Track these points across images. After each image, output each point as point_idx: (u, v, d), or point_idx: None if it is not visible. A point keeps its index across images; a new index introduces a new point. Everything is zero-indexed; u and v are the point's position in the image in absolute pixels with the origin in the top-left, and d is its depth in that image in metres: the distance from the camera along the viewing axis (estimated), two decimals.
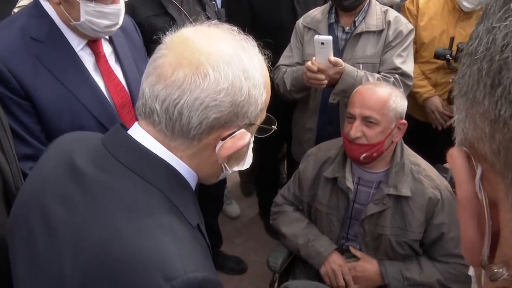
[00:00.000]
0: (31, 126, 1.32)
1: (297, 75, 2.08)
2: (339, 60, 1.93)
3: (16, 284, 0.82)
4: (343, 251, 1.81)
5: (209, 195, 2.40)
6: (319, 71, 1.92)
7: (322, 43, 1.87)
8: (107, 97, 1.42)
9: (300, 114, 2.34)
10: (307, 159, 1.87)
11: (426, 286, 1.65)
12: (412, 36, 2.11)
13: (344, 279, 1.71)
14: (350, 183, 1.69)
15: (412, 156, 1.69)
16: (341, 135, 2.05)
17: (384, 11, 2.10)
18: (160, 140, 0.76)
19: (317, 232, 1.80)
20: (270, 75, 0.85)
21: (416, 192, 1.60)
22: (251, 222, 3.29)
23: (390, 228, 1.64)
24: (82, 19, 1.29)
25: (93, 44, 1.40)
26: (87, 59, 1.40)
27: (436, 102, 2.51)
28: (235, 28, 0.80)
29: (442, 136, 2.61)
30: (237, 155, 0.83)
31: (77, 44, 1.37)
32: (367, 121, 1.58)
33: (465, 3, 2.34)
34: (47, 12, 1.34)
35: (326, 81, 1.94)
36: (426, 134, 2.62)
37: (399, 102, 1.60)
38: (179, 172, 0.78)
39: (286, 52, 2.26)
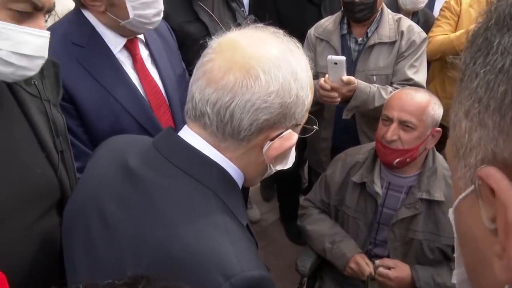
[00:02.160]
0: (74, 128, 1.36)
1: None
2: (352, 78, 1.95)
3: (73, 279, 0.84)
4: (370, 256, 1.81)
5: None
6: (332, 89, 1.95)
7: (336, 63, 1.90)
8: (144, 98, 1.46)
9: None
10: (335, 163, 1.88)
11: None
12: (425, 45, 2.12)
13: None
14: (378, 188, 1.71)
15: (442, 161, 1.69)
16: (357, 143, 2.08)
17: (396, 20, 2.11)
18: (210, 142, 0.78)
19: (344, 234, 1.82)
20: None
21: (450, 197, 1.61)
22: (271, 227, 3.31)
23: (422, 233, 1.64)
24: (131, 16, 1.35)
25: (130, 46, 1.45)
26: (124, 61, 1.45)
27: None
28: (280, 31, 0.82)
29: None
30: (282, 155, 0.84)
31: (115, 47, 1.42)
32: (405, 125, 1.59)
33: None
34: (87, 19, 1.40)
35: (339, 99, 1.97)
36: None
37: (437, 109, 1.61)
38: (229, 174, 0.79)
39: None
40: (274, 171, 0.87)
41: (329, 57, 1.93)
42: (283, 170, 2.92)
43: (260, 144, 0.78)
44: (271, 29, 0.82)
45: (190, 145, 0.78)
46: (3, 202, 0.97)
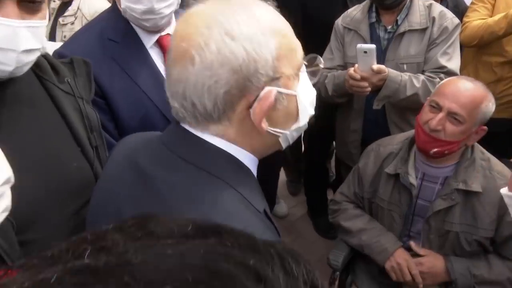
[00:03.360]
0: (105, 123, 1.37)
1: (339, 81, 2.07)
2: (382, 67, 1.90)
3: None
4: (406, 249, 1.77)
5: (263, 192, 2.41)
6: (362, 79, 1.90)
7: (365, 52, 1.85)
8: None
9: (344, 115, 2.32)
10: (368, 154, 1.84)
11: (495, 285, 1.60)
12: (458, 31, 2.05)
13: (410, 273, 1.67)
14: (413, 179, 1.66)
15: (481, 152, 1.64)
16: (388, 135, 2.03)
17: (427, 6, 2.05)
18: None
19: (381, 228, 1.78)
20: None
21: (488, 188, 1.55)
22: (299, 221, 3.28)
23: (459, 224, 1.59)
24: (122, 6, 1.36)
25: (162, 42, 1.45)
26: (156, 57, 1.45)
27: None
28: None
29: (500, 134, 2.53)
30: (284, 114, 0.76)
31: (147, 43, 1.42)
32: (453, 117, 1.51)
33: None
34: (121, 14, 1.41)
35: (369, 89, 1.92)
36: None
37: (490, 107, 1.54)
38: (238, 160, 0.76)
39: (326, 54, 2.23)
40: (288, 132, 0.78)
41: (359, 45, 1.88)
42: (310, 164, 2.87)
43: (245, 116, 0.72)
44: None
45: (195, 135, 0.75)
46: (42, 198, 0.98)
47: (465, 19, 2.49)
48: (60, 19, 2.96)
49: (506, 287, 1.59)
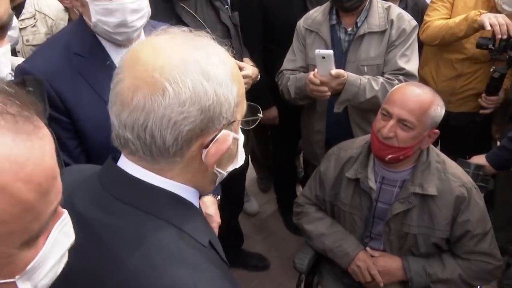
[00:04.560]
0: (66, 141, 1.35)
1: (300, 84, 2.09)
2: (341, 71, 1.92)
3: None
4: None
5: (229, 196, 2.42)
6: (322, 83, 1.92)
7: (324, 57, 1.87)
8: None
9: (308, 116, 2.35)
10: (329, 158, 1.87)
11: (448, 282, 1.67)
12: (415, 33, 2.09)
13: (370, 274, 1.73)
14: (372, 183, 1.70)
15: (436, 155, 1.68)
16: (351, 135, 2.07)
17: (386, 8, 2.07)
18: (145, 167, 0.74)
19: (343, 231, 1.82)
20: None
21: (443, 190, 1.60)
22: (270, 219, 3.32)
23: (417, 227, 1.64)
24: (93, 19, 1.32)
25: None
26: None
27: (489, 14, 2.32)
28: (185, 28, 0.77)
29: (460, 127, 2.61)
30: (228, 156, 0.79)
31: (116, 56, 1.38)
32: (403, 123, 1.55)
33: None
34: (89, 28, 1.37)
35: (329, 93, 1.95)
36: (445, 124, 2.61)
37: (438, 111, 1.58)
38: (178, 195, 0.76)
39: (289, 56, 2.25)
40: (225, 173, 0.82)
41: (317, 51, 1.90)
42: (278, 161, 2.90)
43: (196, 155, 0.74)
44: (176, 29, 0.77)
45: (132, 176, 0.74)
46: None
47: (426, 18, 2.54)
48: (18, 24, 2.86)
49: (457, 284, 1.66)
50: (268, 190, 3.55)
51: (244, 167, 2.70)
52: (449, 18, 2.45)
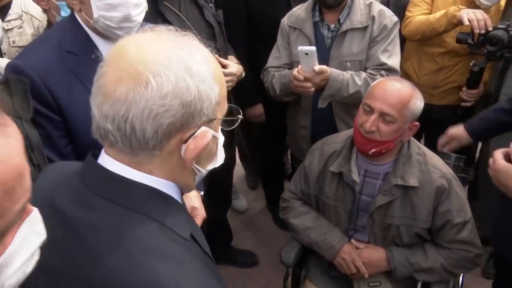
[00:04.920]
0: (56, 139, 1.36)
1: (285, 81, 2.12)
2: (324, 67, 1.95)
3: None
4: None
5: (217, 193, 2.45)
6: (305, 79, 1.95)
7: (307, 53, 1.90)
8: None
9: (294, 112, 2.38)
10: (313, 153, 1.90)
11: (431, 271, 1.71)
12: (397, 29, 2.12)
13: (355, 265, 1.77)
14: (356, 176, 1.73)
15: (417, 148, 1.72)
16: (336, 130, 2.10)
17: (368, 5, 2.11)
18: (124, 160, 0.75)
19: (328, 225, 1.85)
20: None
21: (424, 182, 1.64)
22: (259, 215, 3.35)
23: (399, 218, 1.68)
24: (95, 15, 1.32)
25: None
26: None
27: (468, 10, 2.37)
28: (171, 27, 0.78)
29: (442, 120, 2.65)
30: (206, 154, 0.81)
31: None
32: (385, 117, 1.58)
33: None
34: (82, 25, 1.38)
35: (313, 89, 1.98)
36: (427, 117, 2.65)
37: (418, 104, 1.61)
38: (158, 189, 0.77)
39: (273, 53, 2.27)
40: (205, 172, 0.83)
41: (300, 48, 1.92)
42: (265, 158, 2.93)
43: (175, 149, 0.75)
44: (163, 27, 0.78)
45: (110, 171, 0.75)
46: None
47: (407, 13, 2.58)
48: (4, 25, 2.84)
49: (439, 273, 1.70)
50: (257, 187, 3.58)
51: (231, 163, 2.73)
52: (430, 14, 2.50)
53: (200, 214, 1.50)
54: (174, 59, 0.71)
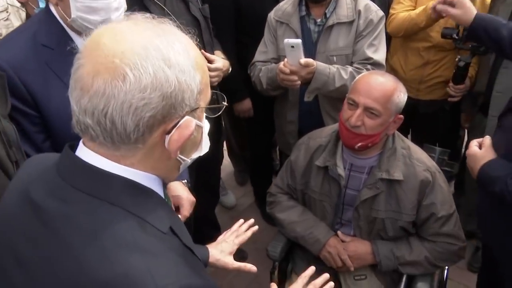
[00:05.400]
0: (33, 135, 1.34)
1: (271, 74, 2.12)
2: (310, 60, 1.96)
3: None
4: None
5: (205, 189, 2.44)
6: (292, 72, 1.95)
7: (292, 46, 1.90)
8: None
9: (281, 107, 2.38)
10: (299, 147, 1.91)
11: (415, 264, 1.73)
12: (382, 23, 2.13)
13: (341, 259, 1.78)
14: (341, 170, 1.74)
15: (402, 141, 1.73)
16: (323, 125, 2.11)
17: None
18: (105, 154, 0.74)
19: (314, 219, 1.86)
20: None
21: (409, 175, 1.65)
22: (248, 211, 3.34)
23: (384, 211, 1.69)
24: (73, 15, 1.30)
25: None
26: None
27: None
28: (148, 14, 0.76)
29: (430, 115, 2.67)
30: (191, 143, 0.80)
31: None
32: (369, 111, 1.59)
33: None
34: (56, 18, 1.35)
35: (299, 82, 1.99)
36: (414, 112, 2.67)
37: (401, 97, 1.62)
38: (136, 182, 0.75)
39: (260, 47, 2.27)
40: (189, 161, 0.83)
41: (286, 40, 1.92)
42: (254, 153, 2.93)
43: (159, 141, 0.74)
44: (139, 15, 0.76)
45: (87, 163, 0.74)
46: None
47: (391, 11, 2.60)
48: None
49: (424, 266, 1.71)
50: (245, 183, 3.57)
51: (219, 159, 2.72)
52: (414, 10, 2.52)
53: (189, 201, 1.49)
54: (151, 49, 0.69)
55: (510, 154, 1.42)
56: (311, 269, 1.33)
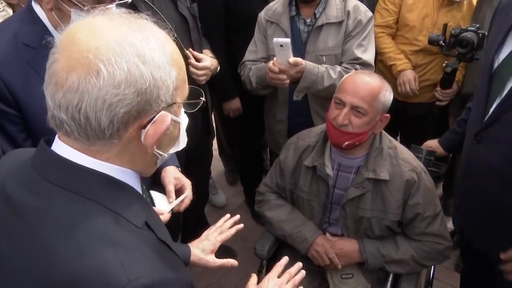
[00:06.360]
0: (14, 135, 1.33)
1: (261, 73, 2.13)
2: (299, 59, 1.97)
3: None
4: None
5: (194, 188, 2.43)
6: (281, 71, 1.96)
7: (281, 45, 1.91)
8: None
9: (270, 106, 2.39)
10: (288, 147, 1.91)
11: (402, 263, 1.74)
12: (371, 24, 2.15)
13: (328, 257, 1.79)
14: (329, 170, 1.74)
15: (389, 141, 1.74)
16: (311, 125, 2.12)
17: (343, 0, 2.13)
18: (80, 149, 0.74)
19: (302, 218, 1.86)
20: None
21: (395, 175, 1.67)
22: (238, 210, 3.34)
23: (370, 210, 1.70)
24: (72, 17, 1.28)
25: None
26: None
27: (410, 76, 2.57)
28: (123, 9, 0.76)
29: (418, 117, 2.69)
30: (168, 138, 0.81)
31: None
32: (356, 110, 1.60)
33: None
34: (39, 18, 1.34)
35: (288, 81, 2.00)
36: (403, 114, 2.69)
37: (387, 96, 1.63)
38: (111, 177, 0.76)
39: (250, 47, 2.28)
40: (166, 156, 0.83)
41: (275, 39, 1.93)
42: (244, 153, 2.93)
43: (135, 136, 0.74)
44: (115, 10, 0.76)
45: (62, 157, 0.74)
46: None
47: (376, 14, 2.62)
48: None
49: (410, 264, 1.73)
50: (236, 183, 3.58)
51: (208, 158, 2.72)
52: (397, 14, 2.55)
53: (186, 183, 1.55)
54: (126, 45, 0.69)
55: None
56: (285, 260, 1.38)
